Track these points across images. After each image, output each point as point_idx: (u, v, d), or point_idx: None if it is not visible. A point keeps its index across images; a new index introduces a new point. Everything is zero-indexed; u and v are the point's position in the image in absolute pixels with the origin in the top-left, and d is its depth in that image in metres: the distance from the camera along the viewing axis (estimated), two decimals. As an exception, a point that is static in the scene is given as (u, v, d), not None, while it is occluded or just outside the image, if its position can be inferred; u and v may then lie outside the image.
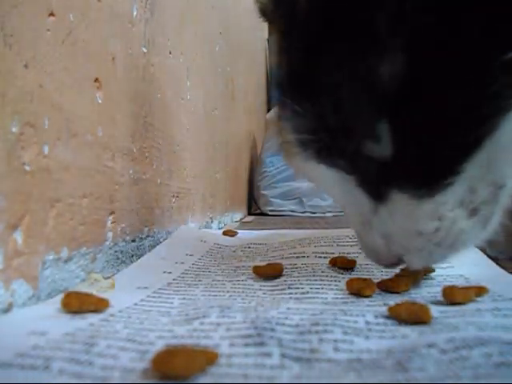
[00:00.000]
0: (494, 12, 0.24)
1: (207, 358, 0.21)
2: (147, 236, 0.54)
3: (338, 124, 0.28)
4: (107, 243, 0.44)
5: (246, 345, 0.23)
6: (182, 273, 0.41)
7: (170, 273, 0.41)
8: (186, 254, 0.47)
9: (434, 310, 0.28)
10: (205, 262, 0.45)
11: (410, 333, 0.25)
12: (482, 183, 0.28)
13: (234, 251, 0.51)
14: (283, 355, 0.22)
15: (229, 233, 0.66)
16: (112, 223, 0.45)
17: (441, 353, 0.21)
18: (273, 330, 0.25)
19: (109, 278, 0.37)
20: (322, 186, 0.33)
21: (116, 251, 0.45)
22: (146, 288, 0.35)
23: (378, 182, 0.29)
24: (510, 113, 0.26)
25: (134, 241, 0.50)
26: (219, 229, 0.88)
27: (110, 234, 0.44)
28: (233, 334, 0.25)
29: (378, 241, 0.31)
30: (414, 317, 0.27)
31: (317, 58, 0.28)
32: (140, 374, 0.20)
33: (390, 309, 0.27)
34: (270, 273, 0.39)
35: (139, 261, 0.44)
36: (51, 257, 0.34)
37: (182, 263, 0.44)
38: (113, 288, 0.34)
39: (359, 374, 0.20)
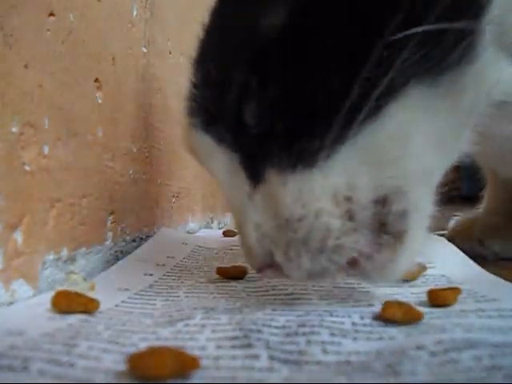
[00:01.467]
0: None
1: (184, 360, 0.20)
2: (147, 236, 0.54)
3: (219, 84, 0.26)
4: (107, 243, 0.44)
5: (233, 347, 0.23)
6: (164, 275, 0.40)
7: (151, 275, 0.40)
8: (168, 257, 0.46)
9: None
10: (187, 264, 0.45)
11: (397, 334, 0.25)
12: (366, 181, 0.25)
13: (216, 253, 0.51)
14: (271, 357, 0.22)
15: (229, 233, 0.66)
16: (112, 223, 0.44)
17: (430, 355, 0.21)
18: (259, 331, 0.25)
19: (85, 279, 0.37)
20: (207, 166, 0.29)
21: (116, 251, 0.45)
22: (126, 290, 0.35)
23: (258, 159, 0.25)
24: (395, 101, 0.24)
25: (134, 241, 0.50)
26: (219, 229, 0.88)
27: (109, 234, 0.44)
28: (219, 336, 0.24)
29: (250, 233, 0.26)
30: (409, 317, 0.26)
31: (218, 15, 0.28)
32: (123, 377, 0.20)
33: (384, 310, 0.27)
34: (233, 274, 0.39)
35: (119, 263, 0.43)
36: (51, 257, 0.34)
37: (164, 265, 0.43)
38: (92, 290, 0.34)
39: (349, 377, 0.20)
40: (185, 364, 0.20)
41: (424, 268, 0.38)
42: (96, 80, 0.42)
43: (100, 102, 0.42)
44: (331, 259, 0.26)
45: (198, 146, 0.28)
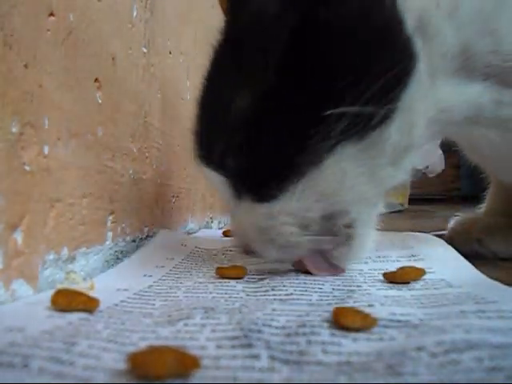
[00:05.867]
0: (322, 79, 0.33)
1: (185, 360, 0.20)
2: (147, 236, 0.54)
3: (213, 142, 0.38)
4: (107, 243, 0.44)
5: (233, 346, 0.23)
6: (163, 276, 0.40)
7: (150, 276, 0.40)
8: (167, 258, 0.46)
9: (419, 313, 0.28)
10: (186, 265, 0.44)
11: (398, 335, 0.24)
12: (315, 205, 0.36)
13: (215, 254, 0.50)
14: (272, 357, 0.22)
15: (229, 233, 0.66)
16: (112, 223, 0.45)
17: (431, 356, 0.21)
18: (259, 331, 0.25)
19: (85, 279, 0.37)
20: (212, 184, 0.41)
21: (116, 251, 0.45)
22: (125, 290, 0.35)
23: (238, 186, 0.38)
24: (332, 154, 0.34)
25: (134, 241, 0.50)
26: (219, 229, 0.88)
27: (109, 234, 0.44)
28: (219, 336, 0.24)
29: (236, 230, 0.40)
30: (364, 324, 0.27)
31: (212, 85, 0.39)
32: (124, 376, 0.20)
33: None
34: (232, 274, 0.39)
35: (119, 265, 0.43)
36: (51, 257, 0.34)
37: (163, 267, 0.43)
38: (92, 289, 0.34)
39: (351, 378, 0.20)
40: (185, 363, 0.20)
41: (423, 272, 0.38)
42: (96, 80, 0.42)
43: (100, 102, 0.42)
44: (291, 252, 0.38)
45: (205, 172, 0.40)
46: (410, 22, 0.35)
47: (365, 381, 0.19)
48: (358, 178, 0.36)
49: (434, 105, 0.38)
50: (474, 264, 0.42)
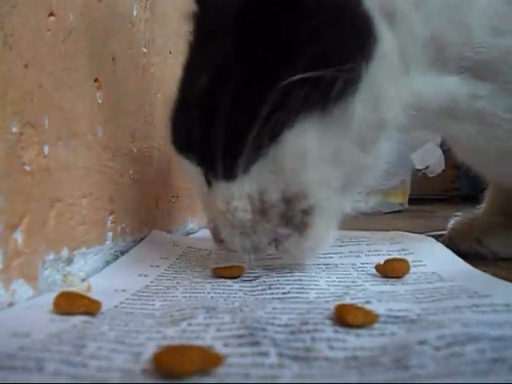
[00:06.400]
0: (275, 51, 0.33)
1: (209, 358, 0.21)
2: (147, 236, 0.54)
3: (176, 124, 0.39)
4: (107, 243, 0.44)
5: (240, 345, 0.23)
6: (159, 275, 0.40)
7: (146, 276, 0.40)
8: (160, 257, 0.46)
9: (416, 308, 0.29)
10: (180, 265, 0.45)
11: (398, 330, 0.25)
12: (272, 186, 0.35)
13: (209, 254, 0.50)
14: (280, 354, 0.22)
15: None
16: (112, 223, 0.45)
17: (434, 349, 0.22)
18: (264, 329, 0.25)
19: (84, 280, 0.37)
20: (187, 175, 0.41)
21: (116, 251, 0.45)
22: (123, 291, 0.35)
23: (208, 172, 0.37)
24: (292, 128, 0.33)
25: (134, 241, 0.50)
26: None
27: (109, 234, 0.44)
28: (224, 335, 0.25)
29: (208, 218, 0.40)
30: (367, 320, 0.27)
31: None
32: (139, 375, 0.20)
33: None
34: (229, 273, 0.39)
35: (113, 264, 0.43)
36: (51, 257, 0.34)
37: (158, 266, 0.43)
38: (89, 291, 0.34)
39: (360, 372, 0.20)
40: (210, 360, 0.21)
41: (408, 263, 0.39)
42: (96, 80, 0.42)
43: (100, 101, 0.42)
44: (252, 240, 0.36)
45: (180, 160, 0.40)
46: (371, 4, 0.35)
47: (375, 375, 0.20)
48: (320, 158, 0.34)
49: (408, 92, 0.37)
50: (473, 264, 0.42)
